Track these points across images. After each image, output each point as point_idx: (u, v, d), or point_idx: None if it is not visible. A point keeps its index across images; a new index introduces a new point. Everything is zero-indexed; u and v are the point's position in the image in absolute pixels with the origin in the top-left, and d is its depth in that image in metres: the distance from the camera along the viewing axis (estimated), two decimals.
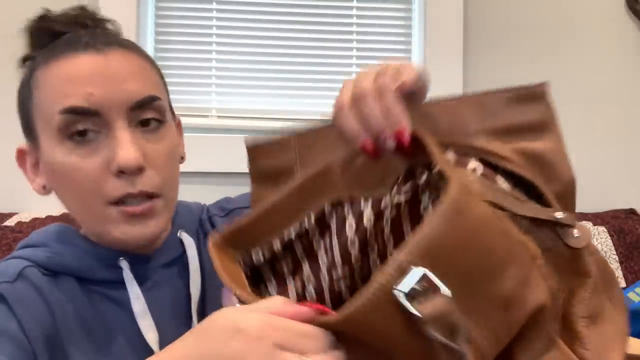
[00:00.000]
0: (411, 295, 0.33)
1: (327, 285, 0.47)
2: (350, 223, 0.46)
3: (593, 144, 1.47)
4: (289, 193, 0.46)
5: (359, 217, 0.47)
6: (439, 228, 0.34)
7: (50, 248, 0.63)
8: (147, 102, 0.59)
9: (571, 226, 0.40)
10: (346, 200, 0.47)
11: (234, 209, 0.73)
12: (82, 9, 0.66)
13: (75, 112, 0.57)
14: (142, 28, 1.37)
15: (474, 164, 0.43)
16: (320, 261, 0.47)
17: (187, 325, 0.62)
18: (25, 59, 0.67)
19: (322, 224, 0.47)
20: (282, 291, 0.47)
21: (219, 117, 1.41)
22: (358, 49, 1.45)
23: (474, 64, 1.43)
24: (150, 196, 0.58)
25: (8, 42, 1.34)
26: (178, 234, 0.66)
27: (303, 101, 1.45)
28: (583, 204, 1.39)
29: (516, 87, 0.46)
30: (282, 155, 0.53)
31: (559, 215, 0.41)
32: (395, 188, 0.46)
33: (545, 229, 0.40)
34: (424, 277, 0.33)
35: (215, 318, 0.37)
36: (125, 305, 0.61)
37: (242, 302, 0.39)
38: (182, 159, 0.67)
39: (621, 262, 1.21)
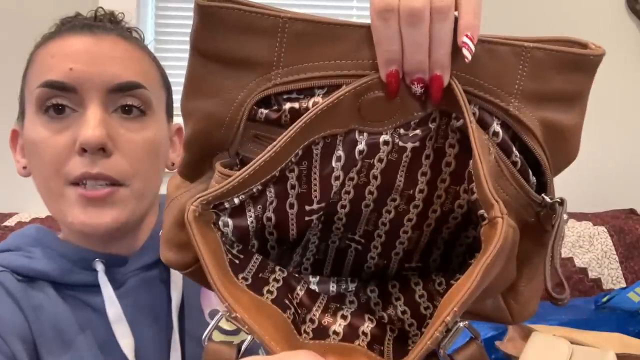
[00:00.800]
0: (445, 348, 0.33)
1: (295, 215, 0.41)
2: (339, 155, 0.39)
3: (593, 144, 1.47)
4: (281, 147, 0.36)
5: (350, 149, 0.39)
6: (479, 281, 0.32)
7: (25, 252, 0.61)
8: (128, 87, 0.57)
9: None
10: (341, 133, 0.39)
11: None
12: (111, 12, 0.66)
13: (53, 86, 0.56)
14: (142, 27, 1.37)
15: (496, 127, 0.39)
16: (289, 188, 0.40)
17: (168, 331, 0.60)
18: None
19: (304, 152, 0.39)
20: (239, 217, 0.39)
21: None
22: None
23: None
24: (113, 183, 0.56)
25: (6, 42, 1.34)
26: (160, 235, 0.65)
27: None
28: (583, 204, 1.39)
29: (575, 51, 0.38)
30: (257, 39, 0.37)
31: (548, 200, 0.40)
32: (402, 129, 0.39)
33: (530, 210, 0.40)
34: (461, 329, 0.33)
35: None
36: (101, 310, 0.58)
37: (229, 311, 0.34)
38: (173, 165, 0.65)
39: (621, 262, 1.21)
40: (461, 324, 0.33)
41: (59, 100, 0.56)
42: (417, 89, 0.37)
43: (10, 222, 1.18)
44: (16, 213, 1.22)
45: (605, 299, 0.99)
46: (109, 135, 0.55)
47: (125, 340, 0.57)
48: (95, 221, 0.55)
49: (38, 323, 0.56)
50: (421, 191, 0.41)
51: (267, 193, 0.39)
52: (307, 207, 0.40)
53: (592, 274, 1.20)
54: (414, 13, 0.35)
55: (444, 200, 0.42)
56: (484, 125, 0.38)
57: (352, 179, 0.41)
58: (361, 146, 0.39)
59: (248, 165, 0.36)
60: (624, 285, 1.19)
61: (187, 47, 0.38)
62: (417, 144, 0.39)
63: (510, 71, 0.37)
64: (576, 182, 1.47)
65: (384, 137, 0.39)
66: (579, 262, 1.20)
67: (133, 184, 0.57)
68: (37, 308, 0.57)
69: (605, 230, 1.24)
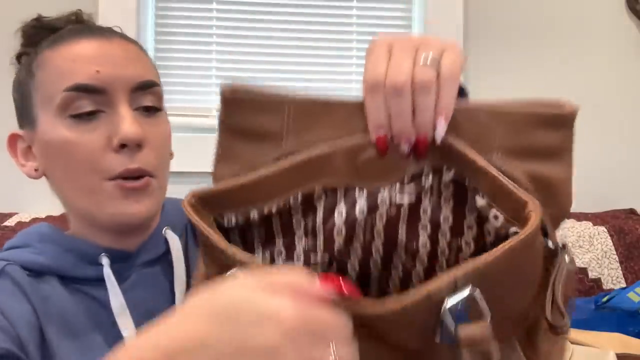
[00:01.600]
0: (453, 312, 0.33)
1: (301, 266, 0.45)
2: (341, 211, 0.43)
3: (593, 144, 1.47)
4: (280, 171, 0.42)
5: (351, 206, 0.43)
6: (505, 258, 0.33)
7: (32, 248, 0.63)
8: (148, 86, 0.62)
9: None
10: (340, 187, 0.44)
11: None
12: (78, 13, 0.69)
13: (82, 90, 0.59)
14: (142, 28, 1.37)
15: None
16: (296, 241, 0.44)
17: (167, 306, 0.62)
18: (21, 55, 0.69)
19: (308, 205, 0.44)
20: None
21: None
22: (358, 49, 1.45)
23: (474, 63, 1.43)
24: (146, 174, 0.60)
25: (4, 43, 1.34)
26: (163, 232, 0.65)
27: None
28: (583, 204, 1.39)
29: (548, 112, 0.42)
30: (268, 117, 0.45)
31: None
32: (397, 186, 0.44)
33: None
34: (471, 300, 0.33)
35: (236, 299, 0.31)
36: (105, 303, 0.60)
37: (237, 261, 0.36)
38: (171, 155, 0.68)
39: (621, 262, 1.21)
40: (475, 293, 0.33)
41: (86, 102, 0.59)
42: (405, 147, 0.43)
43: (10, 222, 1.18)
44: (16, 213, 1.22)
45: (605, 299, 0.99)
46: (142, 130, 0.60)
47: (128, 331, 0.59)
48: (135, 210, 0.59)
49: (45, 312, 0.58)
50: (424, 245, 0.44)
51: (277, 242, 0.44)
52: (312, 260, 0.44)
53: (592, 274, 1.20)
54: (397, 87, 0.40)
55: (448, 255, 0.44)
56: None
57: (357, 236, 0.44)
58: (361, 202, 0.43)
59: (245, 176, 0.42)
60: (624, 285, 1.19)
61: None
62: (413, 199, 0.44)
63: (489, 131, 0.42)
64: (576, 182, 1.47)
65: (382, 194, 0.43)
66: (579, 262, 1.20)
67: (159, 176, 0.62)
68: (44, 298, 0.59)
69: (605, 230, 1.24)
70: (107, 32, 0.63)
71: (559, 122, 0.43)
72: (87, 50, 0.60)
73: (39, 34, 0.68)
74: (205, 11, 1.43)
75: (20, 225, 1.16)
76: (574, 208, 1.51)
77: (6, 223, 1.17)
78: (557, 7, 1.47)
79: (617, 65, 1.48)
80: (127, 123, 0.58)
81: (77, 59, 0.59)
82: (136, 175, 0.59)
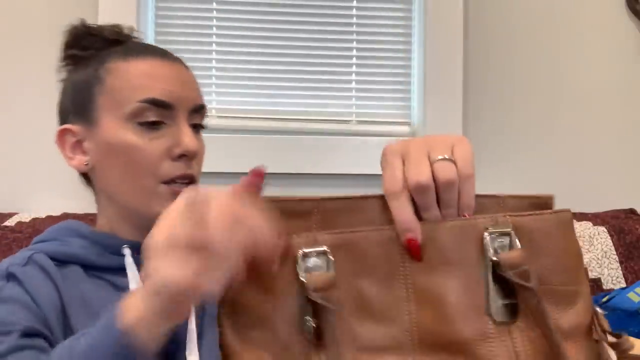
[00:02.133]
0: (493, 239, 0.44)
1: None
2: None
3: (593, 144, 1.47)
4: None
5: None
6: (536, 221, 0.45)
7: (59, 241, 0.70)
8: (202, 108, 0.75)
9: None
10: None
11: None
12: (118, 26, 0.79)
13: (154, 103, 0.68)
14: (142, 28, 1.37)
15: None
16: None
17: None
18: (73, 57, 0.77)
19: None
20: None
21: (219, 117, 1.41)
22: (358, 49, 1.45)
23: (474, 63, 1.43)
24: (193, 182, 0.71)
25: (7, 46, 1.34)
26: None
27: (303, 101, 1.45)
28: (583, 204, 1.39)
29: (539, 195, 0.49)
30: (297, 220, 0.46)
31: None
32: None
33: None
34: (510, 236, 0.44)
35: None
36: (125, 290, 0.66)
37: None
38: None
39: (621, 262, 1.21)
40: (510, 230, 0.44)
41: (156, 114, 0.69)
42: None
43: (11, 222, 1.17)
44: (16, 213, 1.22)
45: (605, 299, 0.99)
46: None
47: None
48: None
49: (69, 295, 0.64)
50: None
51: None
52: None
53: (592, 274, 1.20)
54: (422, 185, 0.44)
55: None
56: None
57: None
58: None
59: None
60: (624, 285, 1.18)
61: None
62: None
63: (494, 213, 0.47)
64: (576, 182, 1.47)
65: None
66: None
67: (197, 183, 0.72)
68: (68, 283, 0.65)
69: (605, 230, 1.24)
70: (171, 56, 0.74)
71: (542, 206, 0.49)
72: (162, 70, 0.70)
73: (93, 40, 0.76)
74: (205, 11, 1.43)
75: (20, 225, 1.16)
76: (574, 208, 1.51)
77: (6, 223, 1.17)
78: (557, 7, 1.47)
79: (617, 65, 1.48)
80: (189, 137, 0.69)
81: (153, 76, 0.69)
82: (187, 181, 0.70)
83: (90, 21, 0.80)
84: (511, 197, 0.48)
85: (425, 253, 0.44)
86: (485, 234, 0.44)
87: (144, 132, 0.68)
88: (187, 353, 0.64)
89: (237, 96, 1.43)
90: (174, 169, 0.69)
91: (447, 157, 0.45)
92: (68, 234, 0.71)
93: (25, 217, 1.19)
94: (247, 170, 0.60)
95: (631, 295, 0.96)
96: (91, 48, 0.75)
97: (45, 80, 1.34)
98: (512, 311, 0.43)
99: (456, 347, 0.41)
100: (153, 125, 0.68)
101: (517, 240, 0.44)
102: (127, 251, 0.69)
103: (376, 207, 0.46)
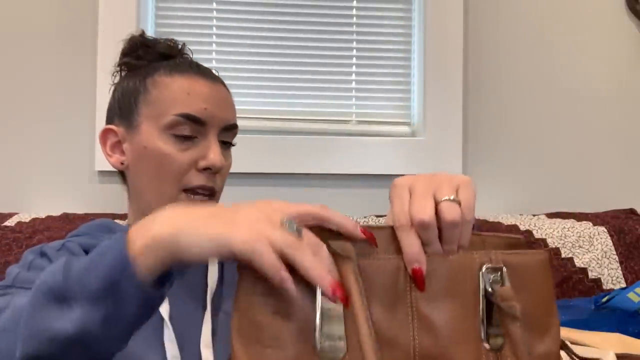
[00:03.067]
0: (487, 275, 0.50)
1: None
2: None
3: (593, 143, 1.47)
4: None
5: None
6: (525, 260, 0.50)
7: (90, 236, 0.77)
8: (233, 128, 0.81)
9: None
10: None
11: None
12: (175, 41, 0.86)
13: (189, 118, 0.75)
14: (142, 27, 1.37)
15: None
16: None
17: (201, 310, 0.73)
18: (127, 64, 0.84)
19: None
20: None
21: None
22: (358, 49, 1.45)
23: (474, 63, 1.43)
24: (213, 194, 0.76)
25: (8, 46, 1.34)
26: None
27: (303, 101, 1.45)
28: (583, 204, 1.39)
29: (515, 236, 0.54)
30: None
31: None
32: None
33: None
34: (501, 272, 0.49)
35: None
36: None
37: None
38: None
39: (621, 262, 1.21)
40: (503, 267, 0.50)
41: (189, 128, 0.75)
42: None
43: (11, 222, 1.17)
44: (16, 213, 1.22)
45: (605, 299, 0.99)
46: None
47: (164, 306, 0.71)
48: None
49: None
50: None
51: None
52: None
53: (592, 274, 1.20)
54: (424, 224, 0.47)
55: None
56: None
57: None
58: None
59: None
60: (624, 285, 1.18)
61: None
62: None
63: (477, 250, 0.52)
64: (576, 182, 1.48)
65: None
66: (579, 262, 1.20)
67: (217, 196, 0.78)
68: None
69: (605, 230, 1.24)
70: (212, 76, 0.80)
71: (517, 245, 0.54)
72: (200, 89, 0.76)
73: (148, 53, 0.82)
74: (205, 11, 1.43)
75: (20, 225, 1.16)
76: (574, 208, 1.50)
77: (6, 223, 1.17)
78: (556, 7, 1.47)
79: (617, 65, 1.48)
80: (215, 153, 0.75)
81: (192, 94, 0.75)
82: (207, 193, 0.75)
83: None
84: (490, 236, 0.53)
85: (428, 284, 0.49)
86: (483, 269, 0.49)
87: (176, 143, 0.75)
88: (201, 346, 0.70)
89: (237, 96, 1.43)
90: (197, 179, 0.75)
91: (452, 199, 0.48)
92: (99, 229, 0.78)
93: (25, 217, 1.19)
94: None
95: (631, 295, 0.96)
96: (144, 59, 0.83)
97: (45, 80, 1.34)
98: (501, 339, 0.49)
99: None
100: (185, 139, 0.75)
101: (506, 276, 0.50)
102: None
103: (386, 238, 0.49)
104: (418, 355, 0.46)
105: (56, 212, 1.22)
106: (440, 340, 0.47)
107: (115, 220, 0.80)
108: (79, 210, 1.27)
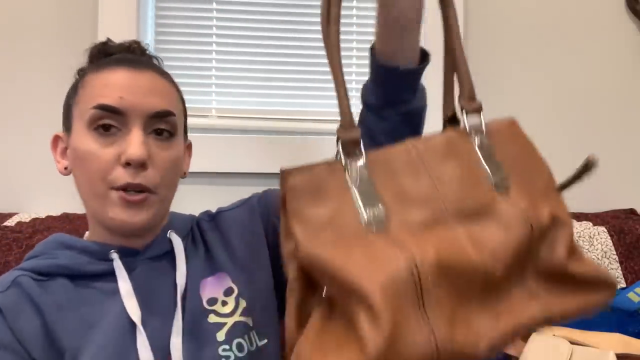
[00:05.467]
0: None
1: None
2: None
3: (593, 144, 1.47)
4: None
5: None
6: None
7: (48, 254, 0.73)
8: (163, 115, 0.73)
9: None
10: None
11: (218, 212, 0.85)
12: (137, 42, 0.82)
13: (105, 109, 0.70)
14: (142, 28, 1.37)
15: None
16: None
17: (171, 310, 0.72)
18: (80, 70, 0.80)
19: None
20: None
21: (219, 117, 1.41)
22: (358, 49, 1.45)
23: (474, 63, 1.43)
24: (146, 190, 0.70)
25: (7, 47, 1.34)
26: (168, 234, 0.77)
27: (303, 101, 1.45)
28: (583, 204, 1.39)
29: None
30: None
31: None
32: None
33: None
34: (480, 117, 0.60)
35: None
36: (113, 293, 0.70)
37: None
38: (185, 174, 0.80)
39: (621, 262, 1.21)
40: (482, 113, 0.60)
41: (108, 120, 0.70)
42: None
43: (11, 222, 1.18)
44: (16, 213, 1.22)
45: None
46: (148, 153, 0.70)
47: (134, 311, 0.69)
48: (132, 220, 0.70)
49: (52, 313, 0.68)
50: None
51: None
52: None
53: None
54: None
55: None
56: None
57: None
58: None
59: None
60: (624, 285, 1.19)
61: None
62: None
63: None
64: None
65: None
66: None
67: (160, 192, 0.72)
68: (54, 300, 0.69)
69: (605, 230, 1.24)
70: (140, 65, 0.74)
71: None
72: (117, 79, 0.71)
73: (99, 55, 0.79)
74: (205, 11, 1.43)
75: (20, 225, 1.16)
76: (574, 208, 1.50)
77: (6, 223, 1.17)
78: (557, 7, 1.47)
79: (617, 65, 1.48)
80: (134, 145, 0.68)
81: (108, 85, 0.71)
82: (137, 189, 0.69)
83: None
84: None
85: (432, 155, 0.56)
86: (474, 137, 0.58)
87: (99, 139, 0.70)
88: (170, 346, 0.70)
89: (237, 96, 1.43)
90: (121, 176, 0.69)
91: None
92: (55, 247, 0.74)
93: (25, 217, 1.19)
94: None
95: (631, 295, 0.96)
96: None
97: (44, 81, 1.34)
98: (506, 182, 0.57)
99: (481, 211, 0.53)
100: (105, 132, 0.70)
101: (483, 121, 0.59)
102: (114, 255, 0.72)
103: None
104: (448, 206, 0.53)
105: (56, 212, 1.22)
106: (460, 190, 0.54)
107: (69, 235, 0.77)
108: (79, 210, 1.27)
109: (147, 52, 0.82)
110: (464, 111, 0.61)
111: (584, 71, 1.47)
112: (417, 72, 0.73)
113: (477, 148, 0.57)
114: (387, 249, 0.49)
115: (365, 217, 0.51)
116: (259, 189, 0.88)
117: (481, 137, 0.58)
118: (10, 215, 1.21)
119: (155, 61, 0.81)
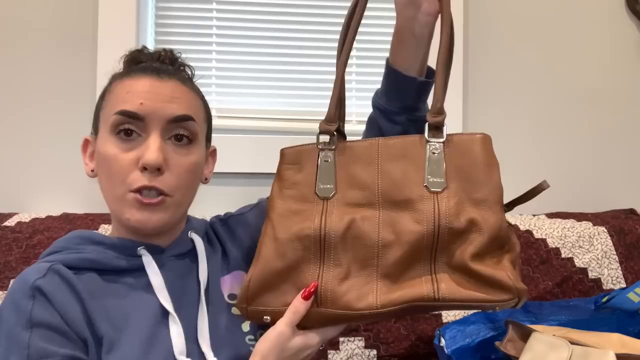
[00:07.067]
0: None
1: None
2: None
3: (593, 144, 1.47)
4: None
5: None
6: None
7: (72, 250, 0.76)
8: (182, 119, 0.76)
9: None
10: None
11: (229, 216, 0.90)
12: (167, 51, 0.86)
13: (126, 115, 0.74)
14: (142, 28, 1.37)
15: None
16: None
17: (196, 304, 0.77)
18: (112, 77, 0.82)
19: None
20: None
21: (219, 117, 1.41)
22: (358, 49, 1.45)
23: (473, 63, 1.43)
24: (162, 193, 0.73)
25: (8, 47, 1.34)
26: (189, 234, 0.81)
27: (303, 101, 1.45)
28: (583, 204, 1.39)
29: None
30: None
31: None
32: None
33: None
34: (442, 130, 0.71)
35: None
36: (142, 287, 0.74)
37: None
38: (206, 179, 0.84)
39: (621, 262, 1.21)
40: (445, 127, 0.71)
41: (129, 125, 0.74)
42: None
43: (11, 222, 1.18)
44: (16, 213, 1.22)
45: (605, 299, 0.99)
46: (164, 158, 0.73)
47: (167, 303, 0.73)
48: (147, 221, 0.73)
49: (90, 302, 0.71)
50: None
51: None
52: None
53: (592, 274, 1.20)
54: None
55: None
56: None
57: None
58: None
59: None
60: (624, 285, 1.19)
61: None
62: None
63: None
64: (576, 182, 1.47)
65: None
66: (579, 262, 1.20)
67: (176, 195, 0.75)
68: (90, 291, 0.72)
69: (605, 230, 1.24)
70: (164, 73, 0.78)
71: None
72: (140, 86, 0.75)
73: (132, 63, 0.82)
74: (205, 11, 1.43)
75: (20, 225, 1.16)
76: (574, 208, 1.50)
77: (6, 223, 1.17)
78: (557, 7, 1.47)
79: (617, 65, 1.48)
80: (150, 151, 0.72)
81: (131, 92, 0.75)
82: (153, 192, 0.73)
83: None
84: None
85: (390, 152, 0.71)
86: (428, 144, 0.70)
87: (121, 144, 0.74)
88: (199, 338, 0.74)
89: (237, 96, 1.43)
90: (138, 179, 0.73)
91: None
92: (79, 242, 0.77)
93: (25, 217, 1.19)
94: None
95: (631, 295, 0.96)
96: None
97: (45, 81, 1.34)
98: (441, 186, 0.68)
99: (405, 204, 0.68)
100: (127, 137, 0.74)
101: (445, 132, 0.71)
102: (143, 251, 0.76)
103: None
104: (382, 195, 0.70)
105: (56, 212, 1.22)
106: (396, 185, 0.69)
107: (96, 231, 0.80)
108: (79, 210, 1.27)
109: (179, 60, 0.86)
110: (426, 124, 0.70)
111: (584, 71, 1.47)
112: (430, 84, 0.81)
113: (427, 154, 0.69)
114: (316, 213, 0.71)
115: (318, 188, 0.73)
116: (259, 189, 0.89)
117: (438, 146, 0.69)
118: (10, 215, 1.21)
119: (186, 69, 0.86)
